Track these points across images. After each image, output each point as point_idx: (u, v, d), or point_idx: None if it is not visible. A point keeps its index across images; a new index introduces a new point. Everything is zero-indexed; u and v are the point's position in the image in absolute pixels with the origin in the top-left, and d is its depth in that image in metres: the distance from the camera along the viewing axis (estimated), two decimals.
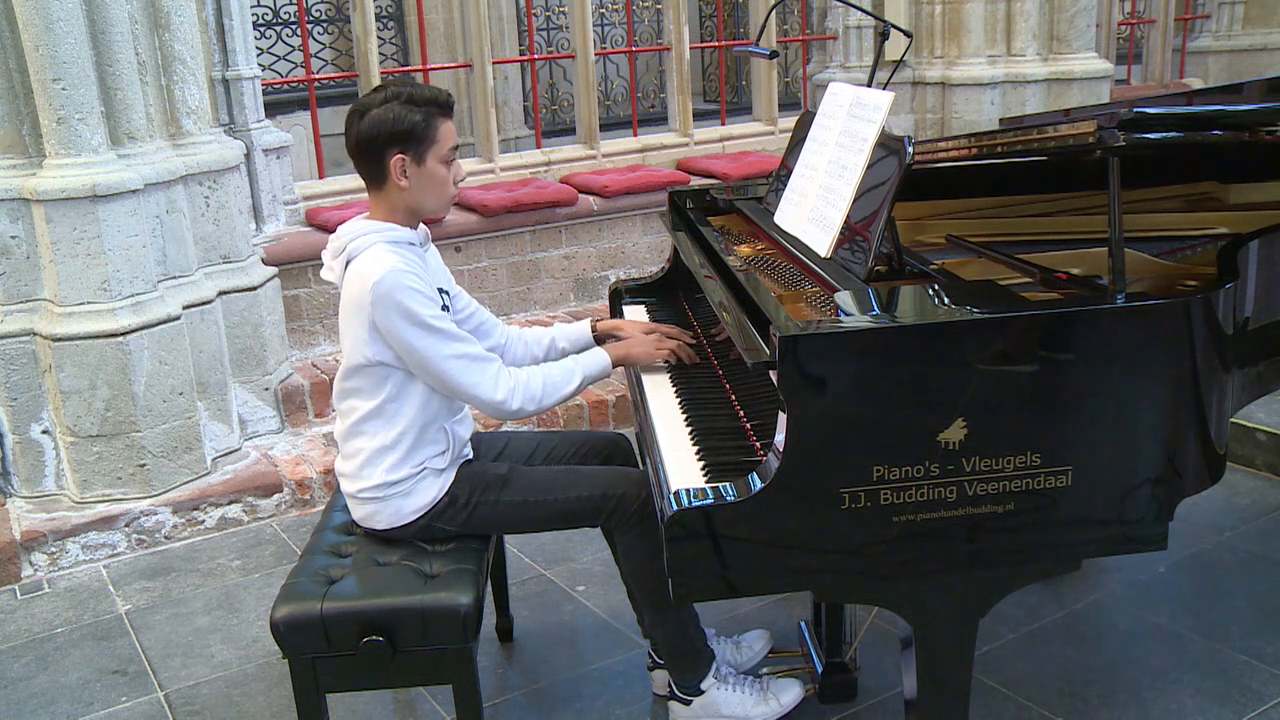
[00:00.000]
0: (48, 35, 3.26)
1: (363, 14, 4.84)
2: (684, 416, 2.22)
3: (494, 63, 5.35)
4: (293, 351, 4.37)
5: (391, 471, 2.23)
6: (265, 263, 4.14)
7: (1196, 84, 7.43)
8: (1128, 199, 1.94)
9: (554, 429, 4.05)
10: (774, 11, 4.39)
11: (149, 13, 3.60)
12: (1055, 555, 1.88)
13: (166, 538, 3.58)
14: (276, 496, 3.74)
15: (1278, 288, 2.29)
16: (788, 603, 2.94)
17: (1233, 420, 2.62)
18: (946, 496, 1.76)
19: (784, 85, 8.33)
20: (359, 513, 2.31)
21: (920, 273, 2.20)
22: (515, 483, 2.32)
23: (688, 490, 1.78)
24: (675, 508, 1.74)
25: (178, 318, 3.60)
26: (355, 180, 4.65)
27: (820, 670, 2.49)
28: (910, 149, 2.07)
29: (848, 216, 2.19)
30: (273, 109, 5.21)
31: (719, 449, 2.04)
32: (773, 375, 1.76)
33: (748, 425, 2.12)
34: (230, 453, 3.87)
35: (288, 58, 8.03)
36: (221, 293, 3.85)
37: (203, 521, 3.63)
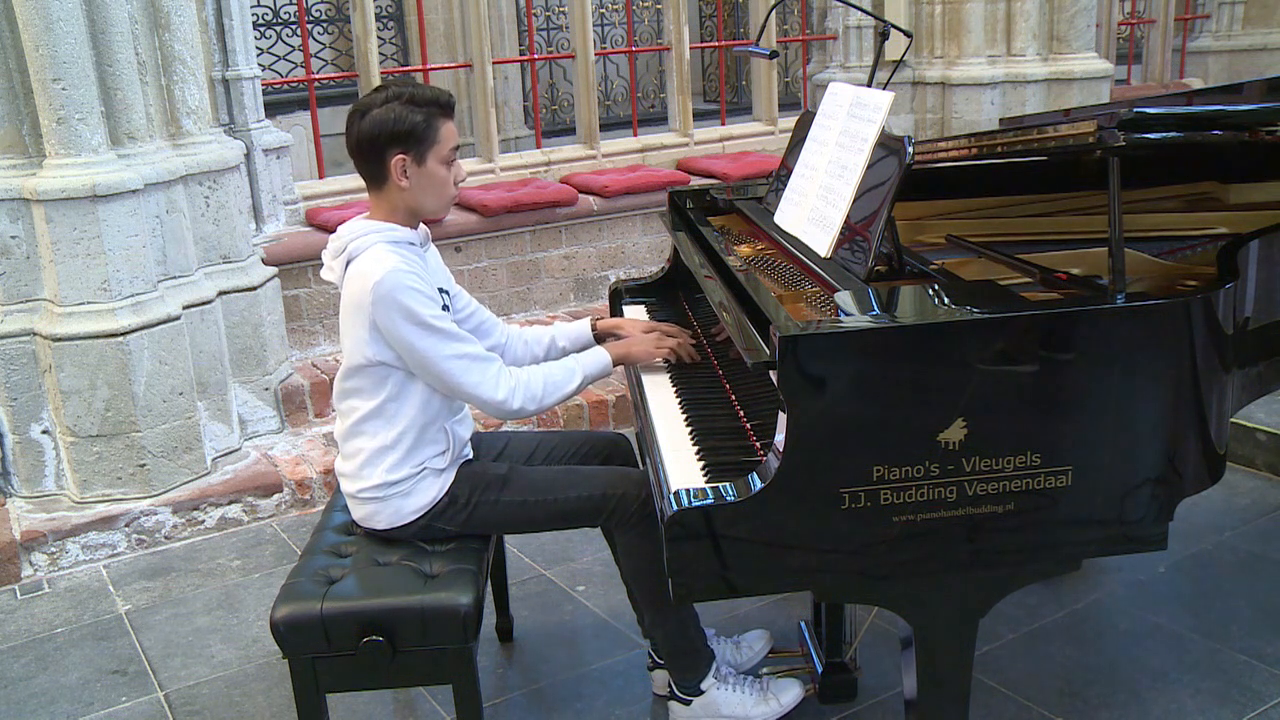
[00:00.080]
0: (48, 35, 3.26)
1: (363, 14, 4.84)
2: (684, 416, 2.22)
3: (494, 63, 5.35)
4: (293, 351, 4.37)
5: (391, 471, 2.23)
6: (265, 263, 4.15)
7: (1196, 84, 7.43)
8: (1128, 199, 1.94)
9: (554, 429, 4.06)
10: (774, 11, 4.39)
11: (149, 13, 3.60)
12: (1055, 555, 1.88)
13: (166, 538, 3.58)
14: (276, 496, 3.74)
15: (1278, 288, 2.29)
16: (788, 603, 2.94)
17: (1233, 420, 2.62)
18: (946, 496, 1.76)
19: (784, 85, 8.33)
20: (359, 513, 2.31)
21: (920, 273, 2.20)
22: (515, 483, 2.32)
23: (688, 490, 1.78)
24: (675, 508, 1.74)
25: (178, 318, 3.60)
26: (355, 180, 4.65)
27: (820, 670, 2.49)
28: (910, 149, 2.07)
29: (848, 216, 2.19)
30: (273, 109, 5.21)
31: (719, 449, 2.04)
32: (773, 375, 1.76)
33: (748, 425, 2.12)
34: (230, 453, 3.88)
35: (288, 58, 8.03)
36: (221, 293, 3.85)
37: (203, 521, 3.63)
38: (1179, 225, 2.66)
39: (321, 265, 2.30)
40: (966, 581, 1.87)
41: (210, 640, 3.00)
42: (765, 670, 2.54)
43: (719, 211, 2.96)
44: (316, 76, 5.52)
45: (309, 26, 8.20)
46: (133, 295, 3.48)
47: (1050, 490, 1.79)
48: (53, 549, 3.44)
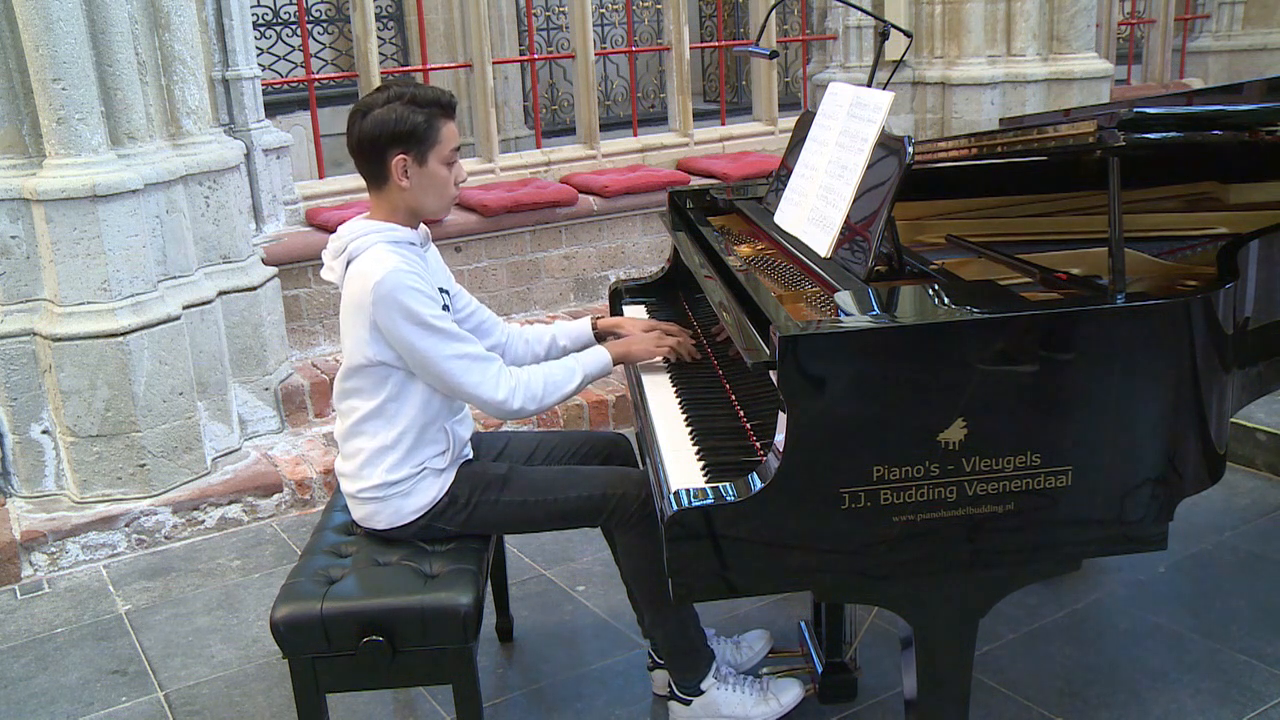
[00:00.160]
0: (48, 35, 3.26)
1: (363, 14, 4.84)
2: (684, 416, 2.22)
3: (494, 63, 5.35)
4: (293, 351, 4.37)
5: (391, 471, 2.23)
6: (265, 263, 4.15)
7: (1196, 84, 7.43)
8: (1128, 199, 1.94)
9: (554, 429, 4.06)
10: (774, 11, 4.39)
11: (149, 13, 3.60)
12: (1055, 555, 1.88)
13: (166, 538, 3.58)
14: (276, 496, 3.74)
15: (1278, 288, 2.29)
16: (788, 603, 2.94)
17: (1233, 420, 2.62)
18: (946, 496, 1.76)
19: (784, 85, 8.33)
20: (359, 513, 2.31)
21: (920, 273, 2.20)
22: (515, 483, 2.32)
23: (688, 490, 1.78)
24: (675, 508, 1.74)
25: (178, 318, 3.60)
26: (355, 180, 4.65)
27: (820, 670, 2.49)
28: (910, 149, 2.07)
29: (848, 216, 2.19)
30: (273, 109, 5.21)
31: (719, 449, 2.04)
32: (773, 375, 1.76)
33: (748, 425, 2.12)
34: (230, 453, 3.88)
35: (288, 58, 8.03)
36: (221, 293, 3.85)
37: (203, 521, 3.63)
38: (1179, 225, 2.66)
39: (321, 265, 2.30)
40: (966, 581, 1.87)
41: (210, 640, 3.00)
42: (765, 670, 2.54)
43: (719, 211, 2.96)
44: (316, 76, 5.52)
45: (309, 26, 8.21)
46: (133, 295, 3.48)
47: (1050, 490, 1.79)
48: (53, 549, 3.44)
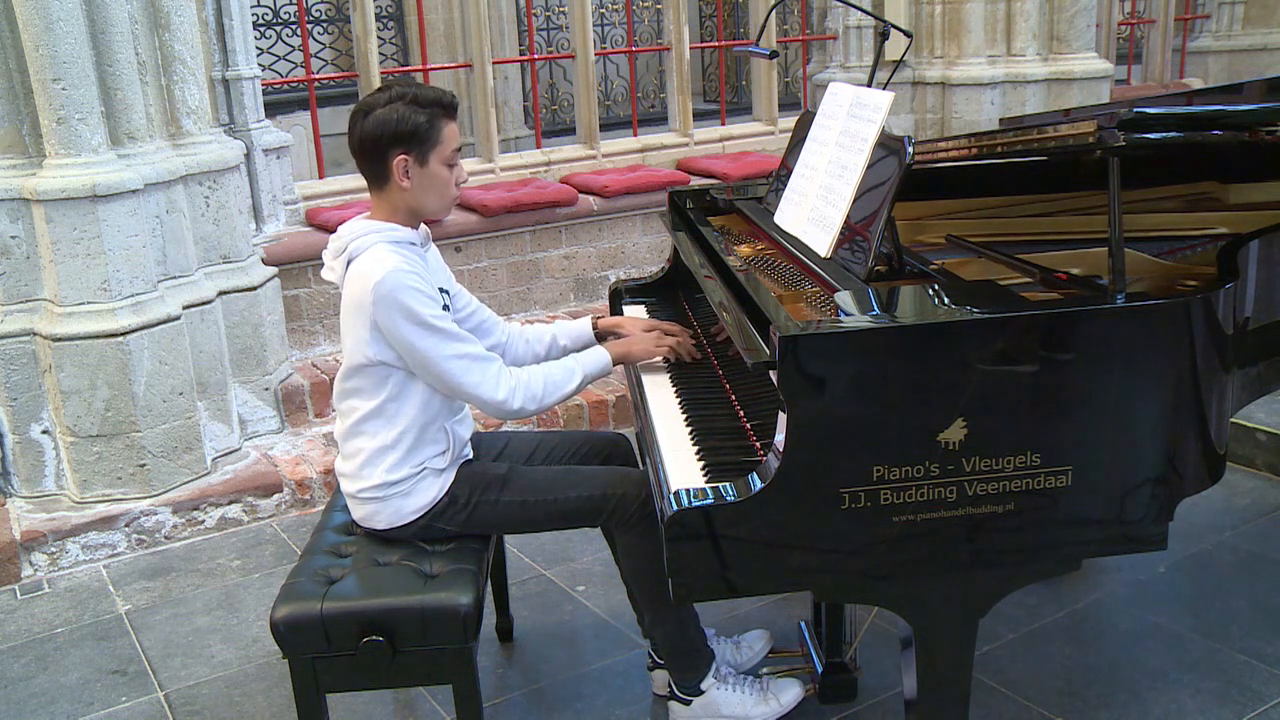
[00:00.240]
0: (48, 35, 3.26)
1: (363, 14, 4.84)
2: (684, 416, 2.22)
3: (494, 63, 5.35)
4: (293, 351, 4.37)
5: (391, 471, 2.23)
6: (265, 263, 4.15)
7: (1196, 84, 7.43)
8: (1128, 199, 1.94)
9: (554, 429, 4.06)
10: (774, 11, 4.39)
11: (149, 13, 3.60)
12: (1055, 555, 1.88)
13: (166, 538, 3.58)
14: (276, 496, 3.74)
15: (1278, 288, 2.29)
16: (788, 603, 2.94)
17: (1233, 420, 2.62)
18: (946, 496, 1.76)
19: (784, 85, 8.33)
20: (359, 513, 2.31)
21: (920, 273, 2.20)
22: (515, 483, 2.32)
23: (688, 490, 1.78)
24: (675, 508, 1.74)
25: (178, 318, 3.60)
26: (355, 180, 4.66)
27: (820, 670, 2.49)
28: (910, 149, 2.07)
29: (848, 216, 2.19)
30: (273, 109, 5.21)
31: (719, 449, 2.04)
32: (773, 375, 1.76)
33: (748, 425, 2.12)
34: (230, 453, 3.88)
35: (288, 58, 8.03)
36: (221, 293, 3.85)
37: (203, 521, 3.63)
38: (1179, 225, 2.66)
39: (322, 265, 2.30)
40: (967, 581, 1.87)
41: (210, 640, 3.00)
42: (765, 670, 2.54)
43: (719, 211, 2.96)
44: (316, 76, 5.52)
45: (309, 26, 8.21)
46: (133, 295, 3.48)
47: (1050, 490, 1.79)
48: (53, 549, 3.44)
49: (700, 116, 6.00)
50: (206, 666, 2.87)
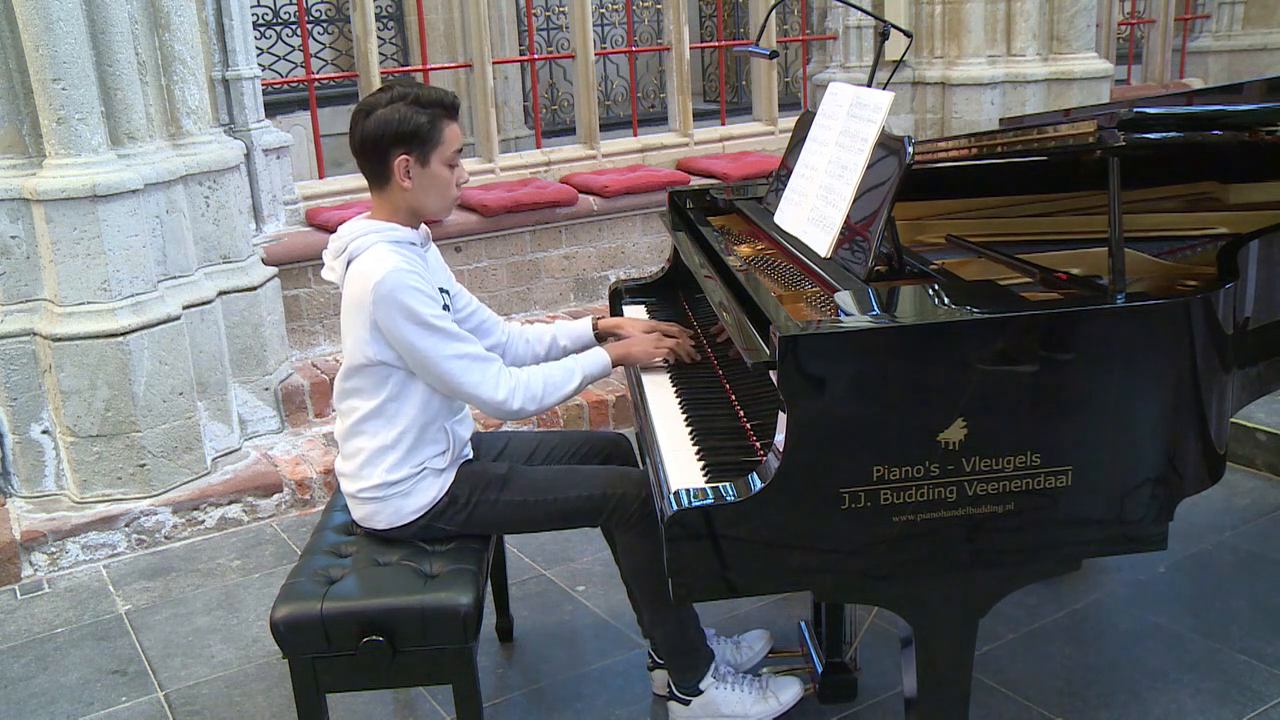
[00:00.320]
0: (48, 35, 3.26)
1: (363, 14, 4.84)
2: (684, 416, 2.22)
3: (494, 63, 5.35)
4: (293, 351, 4.37)
5: (391, 471, 2.23)
6: (265, 263, 4.15)
7: (1196, 84, 7.43)
8: (1128, 199, 1.94)
9: (554, 429, 4.06)
10: (774, 11, 4.39)
11: (149, 13, 3.60)
12: (1055, 555, 1.88)
13: (166, 538, 3.58)
14: (276, 496, 3.74)
15: (1278, 288, 2.29)
16: (788, 603, 2.94)
17: (1233, 420, 2.62)
18: (946, 496, 1.76)
19: (784, 85, 8.33)
20: (359, 513, 2.31)
21: (920, 273, 2.20)
22: (515, 482, 2.32)
23: (688, 490, 1.78)
24: (675, 508, 1.74)
25: (178, 318, 3.60)
26: (355, 180, 4.66)
27: (820, 670, 2.49)
28: (910, 149, 2.07)
29: (848, 216, 2.19)
30: (273, 109, 5.21)
31: (719, 449, 2.04)
32: (773, 375, 1.76)
33: (748, 425, 2.12)
34: (230, 453, 3.88)
35: (288, 58, 8.03)
36: (221, 293, 3.85)
37: (203, 521, 3.63)
38: (1179, 225, 2.66)
39: (322, 265, 2.30)
40: (967, 581, 1.87)
41: (210, 640, 3.00)
42: (765, 670, 2.54)
43: (719, 211, 2.96)
44: (316, 76, 5.52)
45: (309, 26, 8.21)
46: (133, 295, 3.48)
47: (1050, 490, 1.79)
48: (53, 549, 3.44)
49: (700, 116, 6.00)
50: (206, 666, 2.87)
